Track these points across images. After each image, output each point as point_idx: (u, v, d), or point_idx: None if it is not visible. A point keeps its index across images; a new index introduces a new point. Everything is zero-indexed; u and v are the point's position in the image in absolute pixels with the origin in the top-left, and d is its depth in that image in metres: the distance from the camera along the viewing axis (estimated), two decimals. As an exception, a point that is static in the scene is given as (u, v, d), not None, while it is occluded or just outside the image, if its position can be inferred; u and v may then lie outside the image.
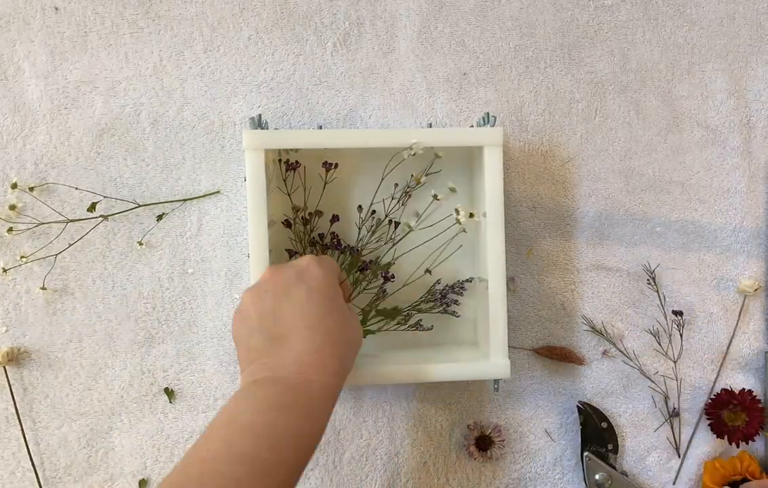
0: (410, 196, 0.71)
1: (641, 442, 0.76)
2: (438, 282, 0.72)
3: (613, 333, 0.76)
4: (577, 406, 0.75)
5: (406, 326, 0.72)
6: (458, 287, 0.72)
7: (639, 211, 0.77)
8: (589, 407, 0.75)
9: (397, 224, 0.71)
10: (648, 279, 0.76)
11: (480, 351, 0.71)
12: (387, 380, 0.66)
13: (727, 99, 0.78)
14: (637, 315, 0.77)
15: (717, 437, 0.75)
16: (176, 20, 0.73)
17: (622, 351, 0.76)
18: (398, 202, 0.71)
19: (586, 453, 0.74)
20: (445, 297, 0.72)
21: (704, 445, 0.77)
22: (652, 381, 0.76)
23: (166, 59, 0.73)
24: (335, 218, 0.71)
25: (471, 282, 0.73)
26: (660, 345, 0.76)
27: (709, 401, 0.75)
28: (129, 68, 0.72)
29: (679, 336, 0.77)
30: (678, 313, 0.76)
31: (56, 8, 0.72)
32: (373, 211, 0.72)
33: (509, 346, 0.65)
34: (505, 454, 0.75)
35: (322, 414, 0.53)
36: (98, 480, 0.71)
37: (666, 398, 0.76)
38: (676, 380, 0.77)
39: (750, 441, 0.73)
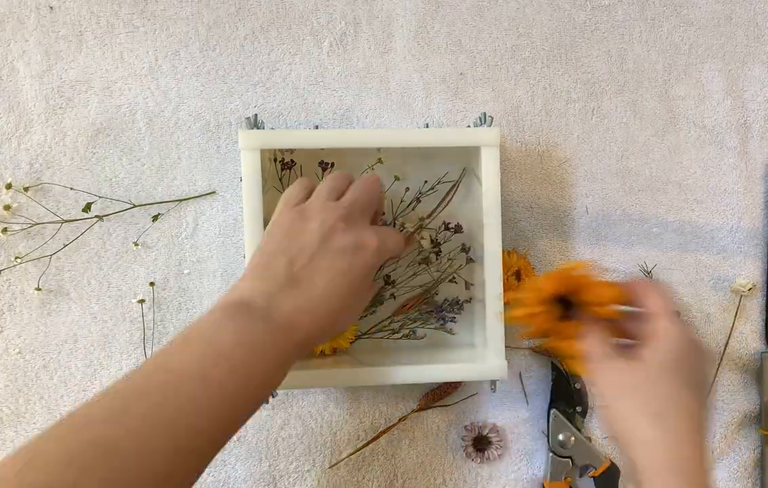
0: (420, 200, 0.71)
1: (638, 443, 0.76)
2: (436, 293, 0.72)
3: (610, 333, 0.76)
4: (551, 362, 0.74)
5: (400, 336, 0.72)
6: (456, 306, 0.72)
7: (636, 212, 0.77)
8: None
9: (402, 227, 0.71)
10: (645, 280, 0.76)
11: (477, 351, 0.71)
12: (384, 381, 0.66)
13: (724, 99, 0.78)
14: (634, 316, 0.77)
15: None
16: (172, 19, 0.73)
17: (619, 352, 0.76)
18: (408, 205, 0.72)
19: (553, 410, 0.73)
20: (441, 311, 0.71)
21: (701, 446, 0.77)
22: (649, 382, 0.76)
23: (162, 59, 0.72)
24: None
25: (470, 302, 0.73)
26: (657, 345, 0.76)
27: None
28: (124, 68, 0.72)
29: (676, 337, 0.76)
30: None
31: (51, 7, 0.71)
32: (383, 213, 0.72)
33: (507, 346, 0.65)
34: (502, 455, 0.75)
35: (283, 373, 0.52)
36: (93, 482, 0.70)
37: (663, 398, 0.76)
38: (673, 380, 0.76)
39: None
